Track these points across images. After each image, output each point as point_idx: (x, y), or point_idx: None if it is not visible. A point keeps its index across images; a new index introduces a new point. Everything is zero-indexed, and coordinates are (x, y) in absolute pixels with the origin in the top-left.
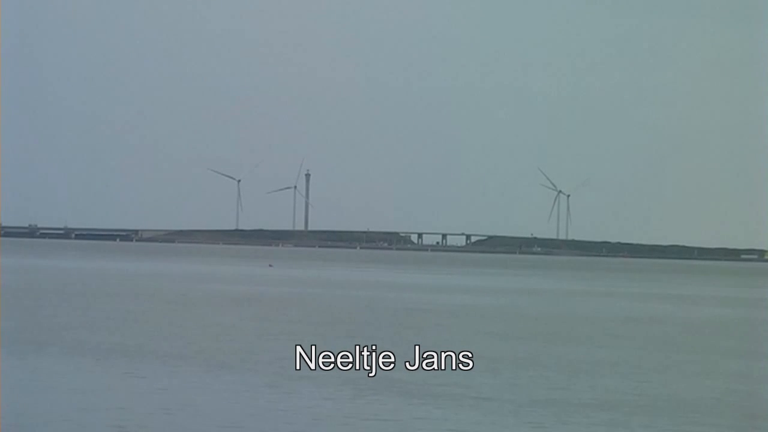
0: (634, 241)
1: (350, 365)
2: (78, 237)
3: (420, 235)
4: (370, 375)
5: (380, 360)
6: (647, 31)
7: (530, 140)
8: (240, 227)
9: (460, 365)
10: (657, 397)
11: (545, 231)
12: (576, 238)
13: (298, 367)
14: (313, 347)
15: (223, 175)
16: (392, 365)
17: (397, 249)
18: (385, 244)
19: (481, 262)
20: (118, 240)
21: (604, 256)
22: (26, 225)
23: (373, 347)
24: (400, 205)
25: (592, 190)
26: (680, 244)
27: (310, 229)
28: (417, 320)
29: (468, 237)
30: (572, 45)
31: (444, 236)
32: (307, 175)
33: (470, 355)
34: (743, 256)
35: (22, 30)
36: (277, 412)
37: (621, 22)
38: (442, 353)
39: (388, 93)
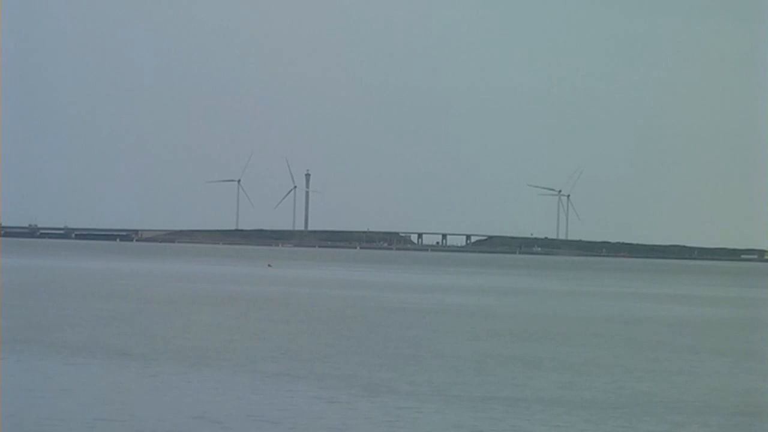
0: (634, 241)
1: (344, 365)
2: (78, 237)
3: (420, 235)
4: (363, 374)
5: (373, 359)
6: (647, 32)
7: (530, 140)
8: (240, 227)
9: (456, 365)
10: (647, 397)
11: (545, 231)
12: (576, 238)
13: (292, 367)
14: (307, 346)
15: (222, 181)
16: (386, 365)
17: (397, 249)
18: (385, 244)
19: (481, 262)
20: (118, 240)
21: (604, 256)
22: (26, 225)
23: (368, 347)
24: (400, 205)
25: (593, 190)
26: (680, 244)
27: (310, 229)
28: (415, 320)
29: (468, 237)
30: (572, 46)
31: (444, 236)
32: (307, 175)
33: (466, 354)
34: (743, 256)
35: (22, 30)
36: (269, 411)
37: (620, 23)
38: (439, 353)
39: (389, 93)
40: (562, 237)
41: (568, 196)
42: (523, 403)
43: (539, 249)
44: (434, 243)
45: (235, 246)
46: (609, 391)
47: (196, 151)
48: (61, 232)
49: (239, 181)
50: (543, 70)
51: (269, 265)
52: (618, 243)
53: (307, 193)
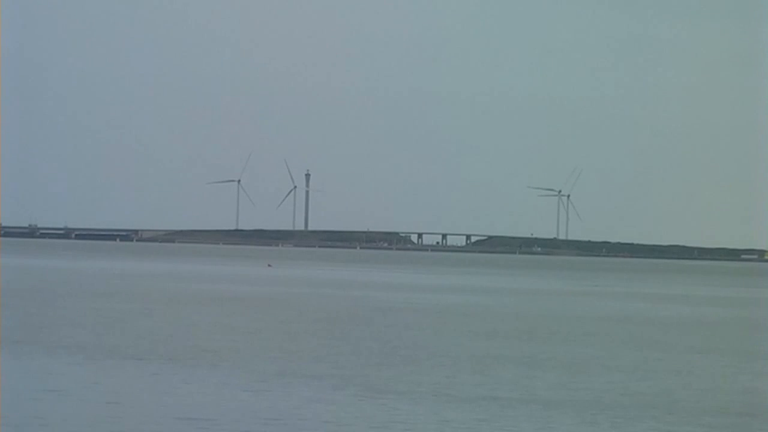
0: (634, 241)
1: (342, 365)
2: (78, 237)
3: (420, 235)
4: (358, 374)
5: (371, 359)
6: (647, 32)
7: (530, 141)
8: (240, 227)
9: (455, 365)
10: (646, 397)
11: (545, 231)
12: (576, 238)
13: (290, 367)
14: (306, 346)
15: (223, 182)
16: (385, 365)
17: (397, 249)
18: (385, 244)
19: (481, 262)
20: (118, 240)
21: (604, 256)
22: (26, 225)
23: (367, 347)
24: (400, 205)
25: (593, 190)
26: (680, 244)
27: (310, 229)
28: (414, 320)
29: (468, 237)
30: (572, 47)
31: (444, 236)
32: (307, 175)
33: (464, 354)
34: (743, 256)
35: (22, 30)
36: (266, 411)
37: (621, 23)
38: (438, 353)
39: (389, 94)
40: (562, 237)
41: (568, 196)
42: (521, 403)
43: (539, 249)
44: (434, 243)
45: (235, 246)
46: (607, 391)
47: (196, 151)
48: (61, 232)
49: (239, 181)
50: (543, 72)
51: (269, 265)
52: (618, 243)
53: (307, 192)
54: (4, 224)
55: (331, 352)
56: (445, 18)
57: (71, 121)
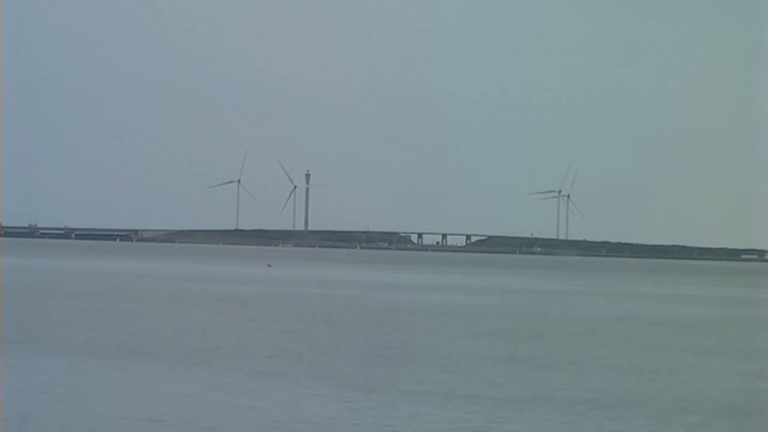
0: (634, 241)
1: (338, 364)
2: (78, 237)
3: (420, 235)
4: (357, 375)
5: (367, 359)
6: (647, 32)
7: (530, 141)
8: (240, 227)
9: (451, 364)
10: (644, 397)
11: (545, 231)
12: (576, 238)
13: (286, 367)
14: (304, 346)
15: (223, 184)
16: (379, 365)
17: (397, 249)
18: (385, 244)
19: (481, 262)
20: (118, 240)
21: (604, 256)
22: (26, 225)
23: (364, 347)
24: (400, 205)
25: (593, 190)
26: (680, 244)
27: (310, 229)
28: (413, 320)
29: (468, 237)
30: (573, 47)
31: (444, 236)
32: (307, 175)
33: (461, 354)
34: (743, 256)
35: (22, 30)
36: (260, 411)
37: (621, 23)
38: (434, 352)
39: (389, 93)
40: (562, 237)
41: (568, 196)
42: (516, 402)
43: (539, 249)
44: (434, 243)
45: (235, 246)
46: (604, 390)
47: (195, 151)
48: (61, 232)
49: (239, 181)
50: (543, 71)
51: (269, 265)
52: (618, 243)
53: (307, 190)
54: (4, 224)
55: (330, 352)
56: (445, 18)
57: (71, 121)
